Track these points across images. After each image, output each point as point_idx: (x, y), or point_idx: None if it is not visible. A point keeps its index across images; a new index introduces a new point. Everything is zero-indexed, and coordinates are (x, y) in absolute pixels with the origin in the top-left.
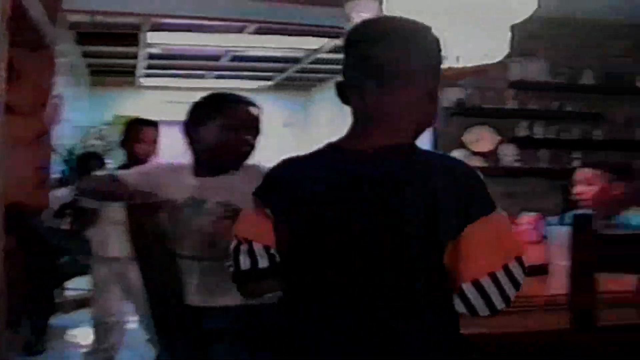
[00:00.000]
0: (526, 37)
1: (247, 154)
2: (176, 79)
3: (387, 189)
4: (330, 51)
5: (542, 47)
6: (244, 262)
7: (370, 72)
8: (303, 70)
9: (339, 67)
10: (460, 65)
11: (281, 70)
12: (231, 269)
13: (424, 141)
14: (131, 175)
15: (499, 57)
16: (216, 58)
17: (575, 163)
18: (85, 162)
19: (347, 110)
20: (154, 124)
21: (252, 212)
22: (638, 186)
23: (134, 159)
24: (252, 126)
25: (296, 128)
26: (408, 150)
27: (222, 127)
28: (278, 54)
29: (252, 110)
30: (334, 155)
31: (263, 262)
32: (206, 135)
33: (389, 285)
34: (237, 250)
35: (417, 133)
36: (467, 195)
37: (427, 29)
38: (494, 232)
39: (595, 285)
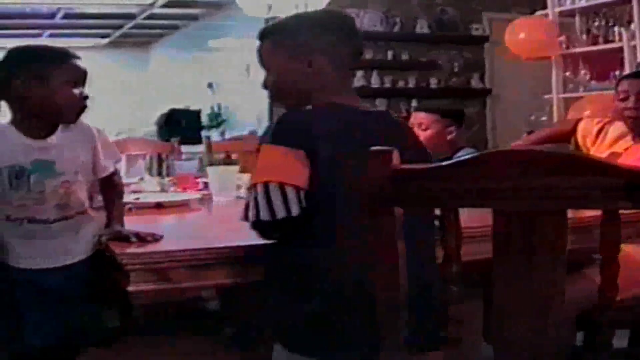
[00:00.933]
0: None
1: (84, 109)
2: (11, 39)
3: (378, 139)
4: (164, 6)
5: None
6: (280, 210)
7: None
8: (139, 26)
9: (174, 22)
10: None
11: (117, 27)
12: (250, 217)
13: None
14: None
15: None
16: (51, 16)
17: None
18: None
19: (183, 65)
20: None
21: (280, 155)
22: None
23: None
24: (85, 80)
25: (134, 84)
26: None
27: (64, 83)
28: (112, 10)
29: (81, 63)
30: (339, 110)
31: (295, 209)
32: (45, 92)
33: None
34: (268, 195)
35: None
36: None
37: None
38: None
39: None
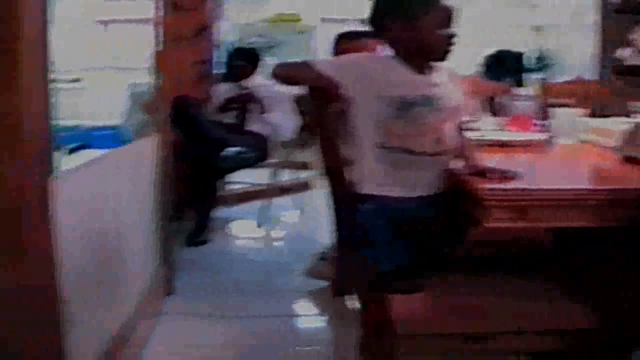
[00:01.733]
0: None
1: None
2: None
3: None
4: None
5: None
6: None
7: None
8: None
9: None
10: None
11: None
12: None
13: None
14: (323, 62)
15: None
16: None
17: None
18: (238, 57)
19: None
20: (365, 35)
21: None
22: None
23: None
24: (452, 19)
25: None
26: None
27: (434, 26)
28: None
29: (448, 2)
30: None
31: None
32: (416, 36)
33: None
34: None
35: None
36: None
37: None
38: None
39: None
